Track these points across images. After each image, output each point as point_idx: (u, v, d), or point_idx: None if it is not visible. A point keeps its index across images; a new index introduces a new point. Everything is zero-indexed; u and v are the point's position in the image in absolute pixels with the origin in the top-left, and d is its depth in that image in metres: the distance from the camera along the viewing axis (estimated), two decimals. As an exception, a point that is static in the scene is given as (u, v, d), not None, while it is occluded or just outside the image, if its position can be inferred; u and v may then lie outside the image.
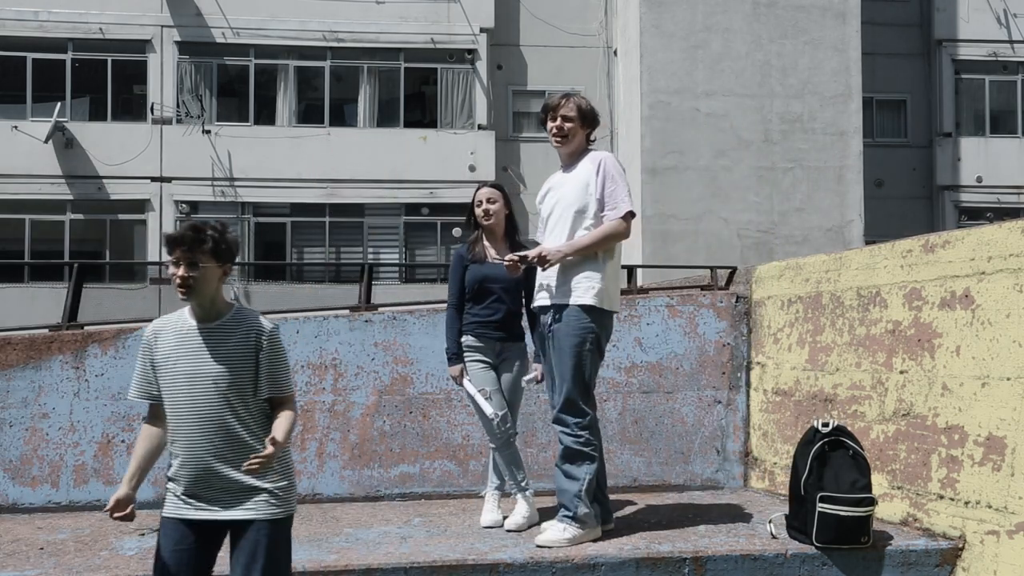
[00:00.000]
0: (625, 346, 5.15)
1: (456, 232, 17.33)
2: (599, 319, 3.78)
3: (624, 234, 3.78)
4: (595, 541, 3.75)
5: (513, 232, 4.29)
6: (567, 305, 3.75)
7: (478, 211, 4.22)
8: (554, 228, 3.89)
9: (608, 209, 3.76)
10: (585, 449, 3.78)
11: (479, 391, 4.12)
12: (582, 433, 3.78)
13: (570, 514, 3.75)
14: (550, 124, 3.88)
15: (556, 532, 3.73)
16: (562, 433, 3.81)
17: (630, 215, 3.78)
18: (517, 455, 4.24)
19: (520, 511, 4.14)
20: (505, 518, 4.18)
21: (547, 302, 3.85)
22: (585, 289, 3.74)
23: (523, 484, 4.19)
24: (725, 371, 5.21)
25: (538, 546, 3.68)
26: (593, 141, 3.97)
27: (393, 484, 4.96)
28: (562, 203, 3.87)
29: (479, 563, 3.50)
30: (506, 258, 3.84)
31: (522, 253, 3.81)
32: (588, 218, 3.79)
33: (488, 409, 4.05)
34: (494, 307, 4.16)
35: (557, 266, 3.78)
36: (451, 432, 5.01)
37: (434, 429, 5.00)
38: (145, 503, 4.79)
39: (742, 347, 5.25)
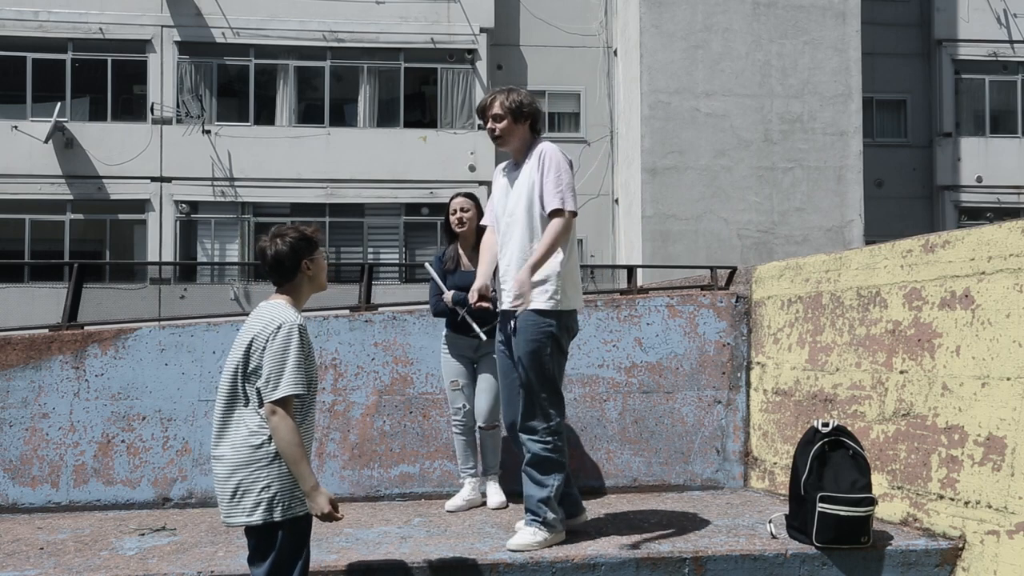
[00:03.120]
0: (625, 346, 5.15)
1: (456, 232, 17.32)
2: (557, 320, 3.69)
3: (566, 229, 3.64)
4: (594, 540, 3.76)
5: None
6: (524, 310, 3.66)
7: (452, 219, 4.53)
8: (508, 229, 3.79)
9: (545, 207, 3.66)
10: (554, 456, 3.71)
11: (451, 382, 4.56)
12: (550, 439, 3.70)
13: (539, 519, 3.69)
14: (488, 126, 3.82)
15: (528, 536, 3.66)
16: (529, 440, 3.70)
17: (556, 212, 3.63)
18: (499, 444, 4.65)
19: (496, 491, 4.60)
20: (479, 505, 4.61)
21: (507, 306, 3.74)
22: (539, 292, 3.64)
23: (496, 469, 4.66)
24: (725, 371, 5.21)
25: (510, 550, 3.60)
26: (539, 132, 3.86)
27: (393, 484, 4.96)
28: (513, 202, 3.79)
29: (479, 563, 3.50)
30: (475, 303, 3.79)
31: (492, 302, 3.77)
32: (536, 216, 3.70)
33: (457, 403, 4.56)
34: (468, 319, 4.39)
35: (512, 270, 3.69)
36: (451, 432, 5.01)
37: (434, 429, 5.00)
38: (145, 503, 4.80)
39: (742, 347, 5.25)
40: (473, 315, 4.23)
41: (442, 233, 17.11)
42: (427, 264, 4.65)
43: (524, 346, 3.67)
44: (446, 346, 4.60)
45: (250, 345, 2.85)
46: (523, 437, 3.73)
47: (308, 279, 3.00)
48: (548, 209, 3.64)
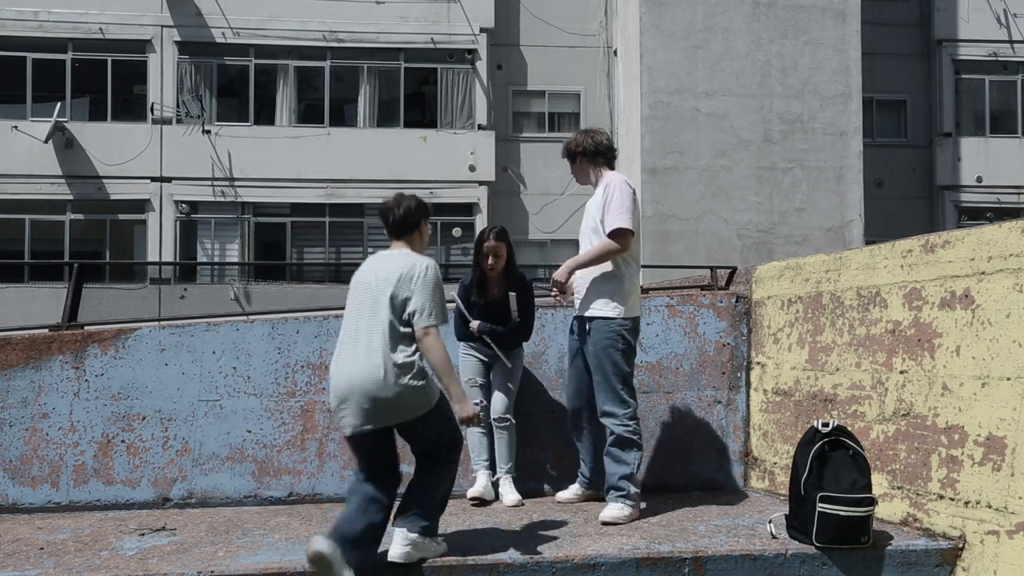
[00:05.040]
0: (625, 346, 5.15)
1: (456, 232, 17.34)
2: (624, 325, 4.33)
3: (616, 249, 4.29)
4: (594, 540, 3.77)
5: (511, 270, 4.81)
6: (595, 318, 4.32)
7: (484, 262, 4.72)
8: (581, 245, 4.48)
9: (604, 228, 4.30)
10: (634, 437, 4.29)
11: (467, 380, 4.74)
12: (630, 422, 4.30)
13: (624, 493, 4.23)
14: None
15: (616, 510, 4.18)
16: (613, 424, 4.30)
17: (616, 232, 4.26)
18: (513, 441, 4.80)
19: (511, 490, 4.72)
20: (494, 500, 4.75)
21: (581, 313, 4.42)
22: (605, 303, 4.32)
23: (510, 469, 4.79)
24: (725, 371, 5.21)
25: (603, 523, 4.11)
26: (603, 162, 4.48)
27: (393, 484, 4.96)
28: (584, 223, 4.47)
29: (479, 563, 3.50)
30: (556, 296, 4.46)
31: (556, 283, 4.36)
32: (602, 235, 4.33)
33: (471, 393, 4.69)
34: (485, 340, 4.76)
35: (588, 282, 4.36)
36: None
37: (434, 429, 4.99)
38: (145, 503, 4.80)
39: (742, 347, 5.25)
40: (494, 341, 4.71)
41: (441, 230, 17.23)
42: (454, 295, 4.88)
43: (599, 347, 4.30)
44: (464, 348, 4.86)
45: (401, 279, 3.45)
46: (605, 421, 4.33)
47: (419, 237, 3.71)
48: (607, 231, 4.26)
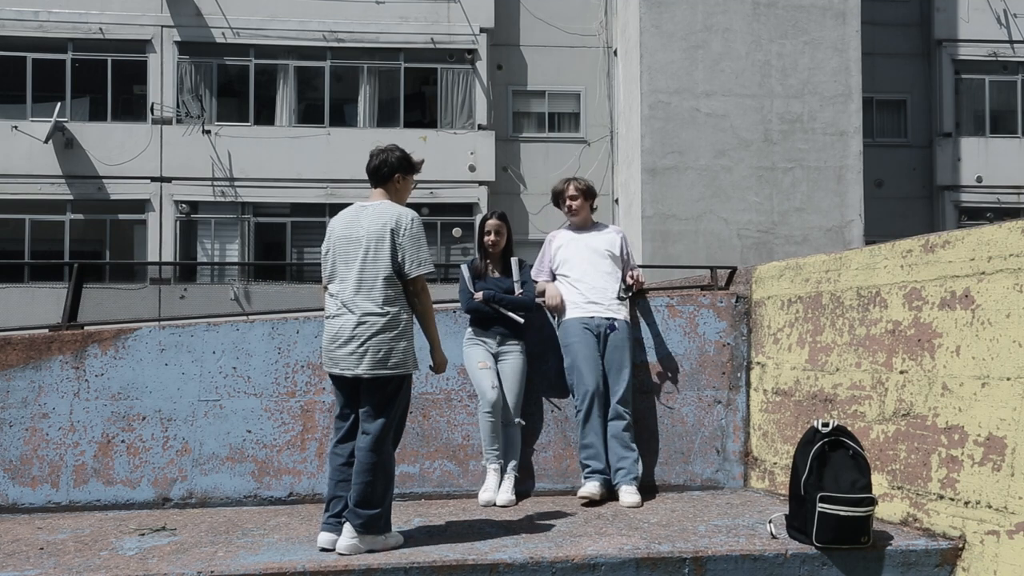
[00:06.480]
0: (625, 346, 5.15)
1: (456, 232, 17.33)
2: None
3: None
4: (594, 540, 3.76)
5: (509, 252, 5.05)
6: (618, 319, 4.93)
7: (486, 239, 4.96)
8: (594, 269, 5.00)
9: (631, 268, 5.13)
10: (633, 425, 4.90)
11: (479, 363, 4.81)
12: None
13: (636, 476, 4.75)
14: (567, 203, 5.13)
15: (636, 495, 4.63)
16: (626, 412, 4.83)
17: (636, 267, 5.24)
18: (519, 442, 4.89)
19: (507, 489, 4.75)
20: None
21: (603, 314, 4.92)
22: (626, 312, 5.00)
23: (514, 467, 4.84)
24: (725, 371, 5.21)
25: (630, 506, 4.54)
26: (595, 209, 5.24)
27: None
28: (597, 252, 5.03)
29: (479, 563, 3.50)
30: (626, 291, 5.06)
31: (631, 283, 5.07)
32: (619, 267, 5.06)
33: (485, 382, 4.79)
34: (490, 314, 4.87)
35: (610, 289, 4.96)
36: (451, 432, 5.01)
37: (434, 429, 5.00)
38: (145, 503, 4.80)
39: (742, 347, 5.25)
40: (501, 306, 4.88)
41: (441, 230, 17.23)
42: (462, 266, 5.09)
43: (626, 343, 4.92)
44: (470, 338, 4.92)
45: (389, 233, 3.64)
46: (623, 409, 4.85)
47: (395, 188, 3.86)
48: (634, 264, 5.22)
